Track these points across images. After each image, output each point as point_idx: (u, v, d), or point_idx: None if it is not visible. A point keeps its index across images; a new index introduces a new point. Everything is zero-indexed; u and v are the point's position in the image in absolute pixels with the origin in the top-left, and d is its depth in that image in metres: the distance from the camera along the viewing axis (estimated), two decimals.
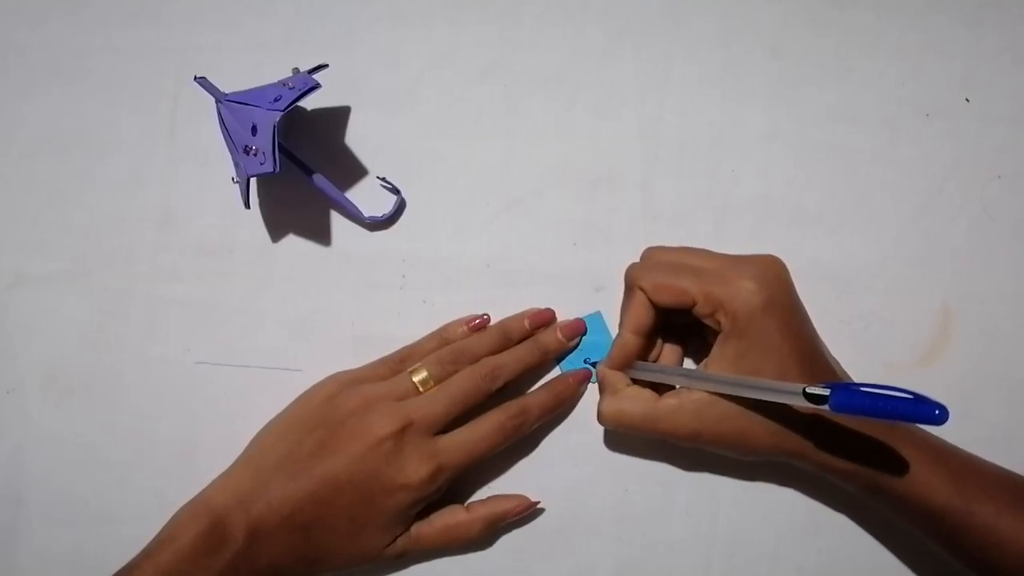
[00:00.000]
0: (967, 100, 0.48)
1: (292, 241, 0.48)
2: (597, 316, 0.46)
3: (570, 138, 0.48)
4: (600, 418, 0.42)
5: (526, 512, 0.44)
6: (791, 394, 0.35)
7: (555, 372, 0.46)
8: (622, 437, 0.46)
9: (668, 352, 0.45)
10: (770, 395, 0.36)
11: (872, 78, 0.49)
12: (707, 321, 0.40)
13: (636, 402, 0.41)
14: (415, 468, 0.40)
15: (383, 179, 0.48)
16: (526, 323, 0.45)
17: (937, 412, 0.31)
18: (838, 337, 0.42)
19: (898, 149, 0.48)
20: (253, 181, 0.47)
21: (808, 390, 0.34)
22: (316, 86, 0.43)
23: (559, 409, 0.45)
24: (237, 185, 0.46)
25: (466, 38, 0.49)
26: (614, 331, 0.46)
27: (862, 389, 0.32)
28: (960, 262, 0.47)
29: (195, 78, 0.45)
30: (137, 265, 0.48)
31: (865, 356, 0.45)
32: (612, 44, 0.49)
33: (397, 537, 0.42)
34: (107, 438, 0.46)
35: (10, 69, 0.49)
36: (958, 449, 0.40)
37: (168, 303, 0.47)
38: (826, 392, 0.33)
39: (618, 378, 0.43)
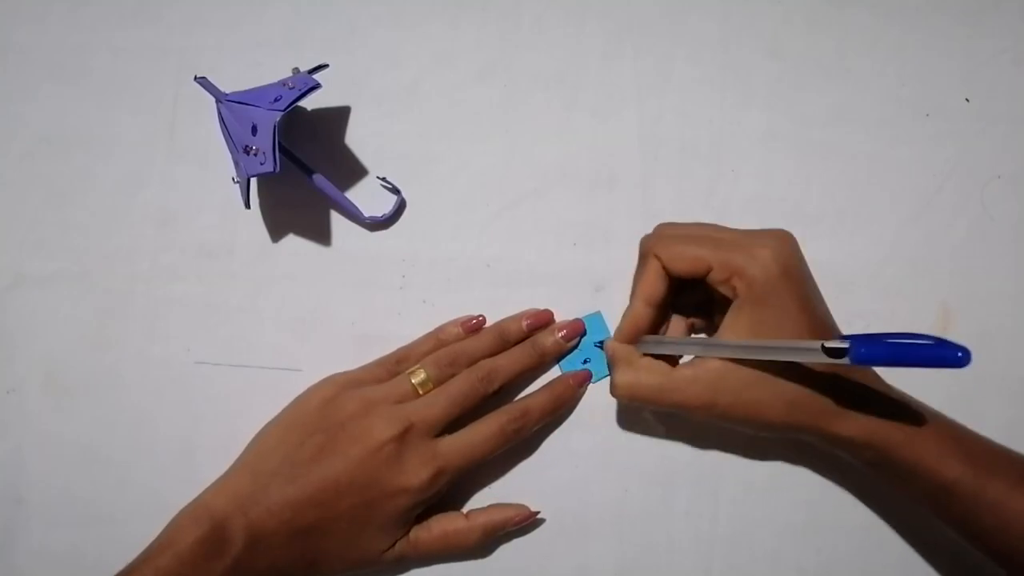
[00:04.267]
0: (967, 100, 0.48)
1: (292, 241, 0.48)
2: (597, 316, 0.46)
3: (570, 138, 0.48)
4: (614, 390, 0.42)
5: (526, 522, 0.44)
6: (810, 351, 0.34)
7: (555, 372, 0.46)
8: (623, 434, 0.46)
9: (675, 324, 0.44)
10: (787, 355, 0.36)
11: (872, 78, 0.49)
12: (722, 288, 0.40)
13: (652, 373, 0.41)
14: (415, 471, 0.40)
15: (383, 179, 0.48)
16: (524, 324, 0.45)
17: (960, 354, 0.31)
18: None
19: (898, 149, 0.48)
20: (253, 181, 0.47)
21: (827, 344, 0.33)
22: (316, 86, 0.43)
23: (559, 411, 0.45)
24: (237, 185, 0.46)
25: (466, 38, 0.49)
26: (614, 332, 0.45)
27: (882, 339, 0.32)
28: (960, 262, 0.47)
29: (195, 78, 0.45)
30: (137, 265, 0.48)
31: None
32: (612, 44, 0.49)
33: (397, 541, 0.42)
34: (107, 438, 0.46)
35: (10, 69, 0.49)
36: (971, 429, 0.40)
37: (168, 303, 0.47)
38: (845, 345, 0.32)
39: (630, 350, 0.42)
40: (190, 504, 0.40)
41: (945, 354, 0.31)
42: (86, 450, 0.46)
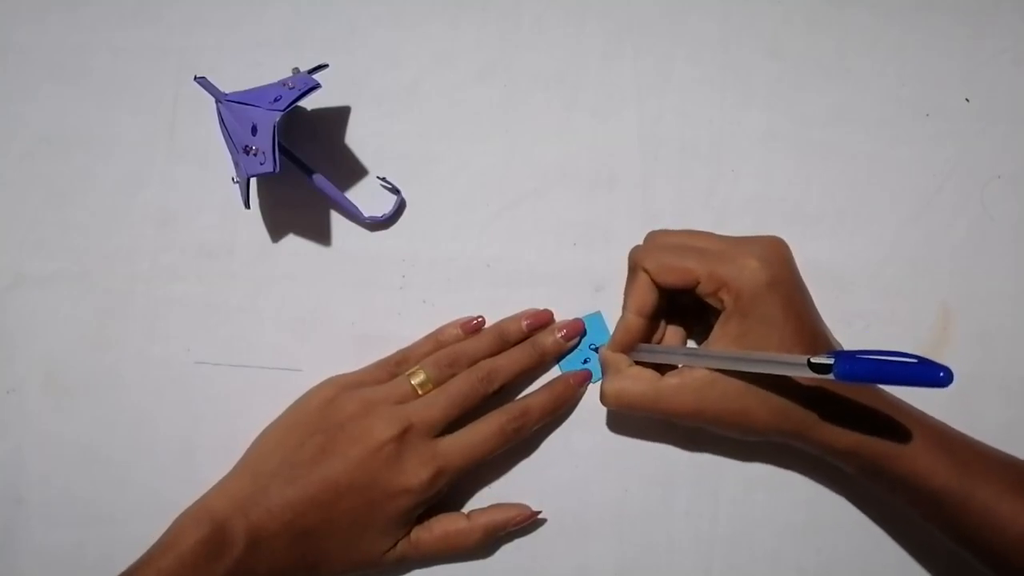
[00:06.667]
0: (967, 100, 0.48)
1: (292, 241, 0.48)
2: (597, 316, 0.46)
3: (570, 138, 0.48)
4: (603, 398, 0.42)
5: (527, 522, 0.44)
6: (795, 365, 0.35)
7: (555, 372, 0.46)
8: (623, 434, 0.46)
9: (671, 334, 0.45)
10: (773, 368, 0.36)
11: (872, 78, 0.49)
12: (710, 300, 0.40)
13: (638, 382, 0.41)
14: (416, 471, 0.40)
15: (383, 179, 0.48)
16: (523, 324, 0.45)
17: (941, 374, 0.31)
18: (838, 337, 0.42)
19: (898, 149, 0.48)
20: (253, 181, 0.47)
21: (812, 360, 0.34)
22: (316, 86, 0.43)
23: (560, 411, 0.45)
24: (237, 185, 0.46)
25: (466, 38, 0.49)
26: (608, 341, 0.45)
27: (866, 356, 0.32)
28: (960, 262, 0.47)
29: (195, 78, 0.45)
30: (137, 265, 0.48)
31: None
32: (612, 44, 0.49)
33: (398, 541, 0.42)
34: (107, 438, 0.46)
35: (10, 69, 0.49)
36: (960, 432, 0.40)
37: (168, 303, 0.47)
38: (830, 361, 0.33)
39: (620, 359, 0.43)
40: (192, 506, 0.40)
41: (928, 373, 0.31)
42: (86, 450, 0.46)
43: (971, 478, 0.38)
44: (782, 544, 0.45)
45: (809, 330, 0.40)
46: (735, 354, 0.39)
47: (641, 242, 0.44)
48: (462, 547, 0.43)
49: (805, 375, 0.34)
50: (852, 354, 0.33)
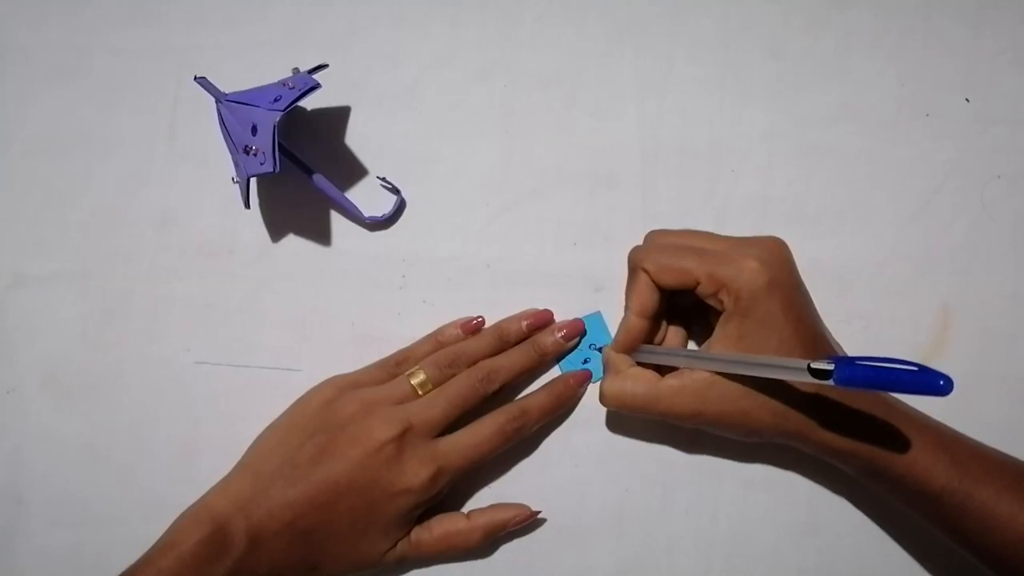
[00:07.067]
0: (967, 100, 0.49)
1: (292, 241, 0.48)
2: (597, 316, 0.46)
3: (570, 138, 0.48)
4: (602, 398, 0.42)
5: (527, 522, 0.44)
6: (795, 370, 0.34)
7: (555, 372, 0.46)
8: (623, 434, 0.46)
9: (672, 334, 0.45)
10: (774, 372, 0.36)
11: (872, 78, 0.49)
12: (710, 301, 0.40)
13: (639, 382, 0.41)
14: (416, 471, 0.40)
15: (383, 179, 0.48)
16: (523, 325, 0.45)
17: (942, 383, 0.31)
18: (838, 337, 0.42)
19: (898, 149, 0.48)
20: (253, 181, 0.47)
21: (812, 365, 0.34)
22: (316, 86, 0.43)
23: (559, 411, 0.45)
24: (237, 185, 0.46)
25: (466, 38, 0.49)
26: (614, 331, 0.45)
27: (866, 362, 0.32)
28: (960, 262, 0.47)
29: (195, 78, 0.45)
30: (137, 265, 0.48)
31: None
32: (612, 44, 0.49)
33: (398, 541, 0.42)
34: (107, 438, 0.46)
35: (10, 69, 0.49)
36: (959, 433, 0.40)
37: (168, 303, 0.47)
38: (830, 367, 0.33)
39: (622, 359, 0.43)
40: (192, 506, 0.40)
41: (928, 381, 0.31)
42: (86, 450, 0.46)
43: (970, 478, 0.38)
44: (782, 544, 0.45)
45: (809, 331, 0.40)
46: (736, 357, 0.39)
47: (641, 242, 0.44)
48: (462, 547, 0.43)
49: (805, 380, 0.34)
50: (852, 360, 0.33)
